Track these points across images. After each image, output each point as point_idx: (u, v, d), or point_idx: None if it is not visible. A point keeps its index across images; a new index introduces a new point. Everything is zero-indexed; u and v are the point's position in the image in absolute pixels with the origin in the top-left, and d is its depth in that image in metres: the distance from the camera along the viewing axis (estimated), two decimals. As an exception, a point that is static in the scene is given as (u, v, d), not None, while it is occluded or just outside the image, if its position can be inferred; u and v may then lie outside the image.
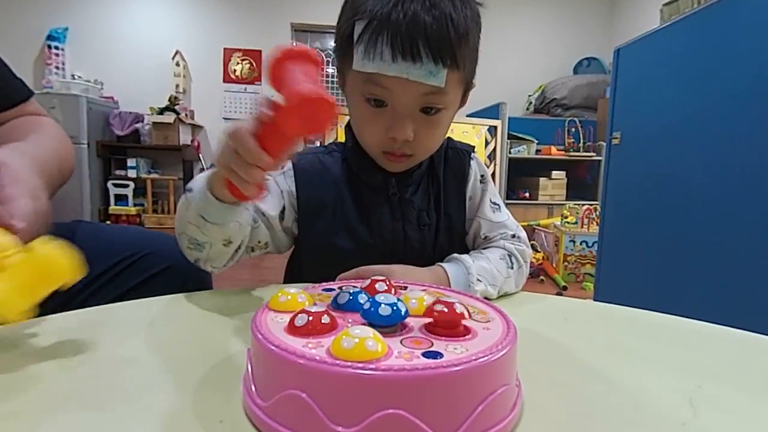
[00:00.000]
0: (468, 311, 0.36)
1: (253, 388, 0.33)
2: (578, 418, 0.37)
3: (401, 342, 0.33)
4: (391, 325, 0.35)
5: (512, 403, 0.34)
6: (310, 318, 0.34)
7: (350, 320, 0.37)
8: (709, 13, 1.83)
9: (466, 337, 0.34)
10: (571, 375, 0.45)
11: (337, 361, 0.29)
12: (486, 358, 0.31)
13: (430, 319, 0.36)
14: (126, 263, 0.78)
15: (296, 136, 0.49)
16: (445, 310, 0.35)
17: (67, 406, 0.35)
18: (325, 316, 0.35)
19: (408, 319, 0.37)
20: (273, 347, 0.31)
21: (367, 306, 0.35)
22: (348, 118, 0.79)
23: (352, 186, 0.79)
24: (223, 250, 0.64)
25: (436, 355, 0.31)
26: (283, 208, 0.75)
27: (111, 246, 0.79)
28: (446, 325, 0.35)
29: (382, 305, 0.35)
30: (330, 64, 5.45)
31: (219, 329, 0.54)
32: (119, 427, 0.33)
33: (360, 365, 0.28)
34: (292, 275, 0.84)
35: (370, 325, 0.33)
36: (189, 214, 0.61)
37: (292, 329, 0.34)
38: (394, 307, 0.35)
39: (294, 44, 0.46)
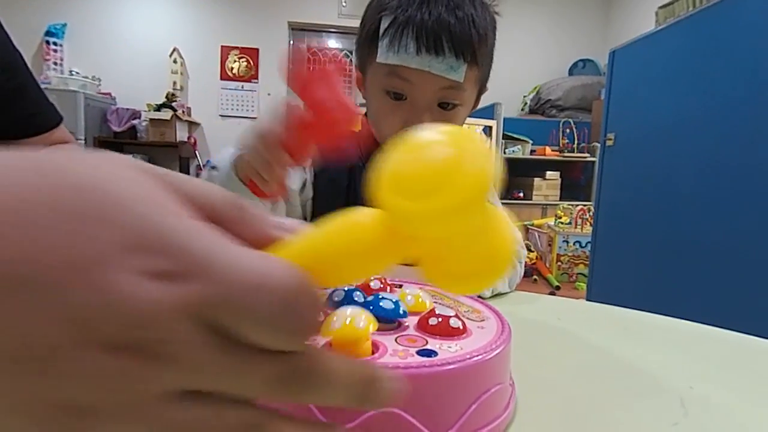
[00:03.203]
0: (463, 322, 0.36)
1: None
2: (570, 418, 0.37)
3: (396, 340, 0.33)
4: (391, 319, 0.35)
5: (506, 402, 0.34)
6: None
7: None
8: (704, 16, 1.84)
9: (461, 335, 0.34)
10: (563, 374, 0.45)
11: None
12: (480, 357, 0.31)
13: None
14: None
15: (317, 143, 0.50)
16: (440, 321, 0.35)
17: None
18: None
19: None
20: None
21: (370, 299, 0.36)
22: (364, 111, 0.82)
23: (363, 175, 0.80)
24: None
25: (430, 353, 0.31)
26: (305, 183, 0.78)
27: None
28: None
29: (385, 300, 0.35)
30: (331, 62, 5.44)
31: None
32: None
33: (355, 363, 0.28)
34: None
35: None
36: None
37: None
38: (396, 303, 0.36)
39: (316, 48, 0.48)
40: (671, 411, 0.38)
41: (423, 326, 0.35)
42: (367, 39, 0.73)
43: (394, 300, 0.36)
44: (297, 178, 0.78)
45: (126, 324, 0.15)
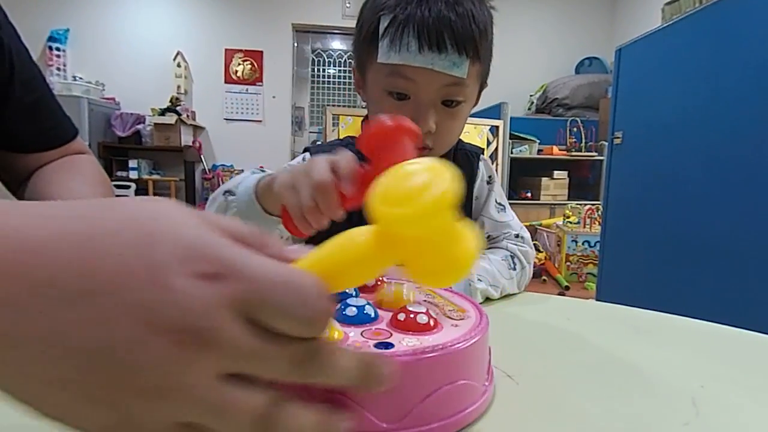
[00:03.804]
0: (434, 319, 0.37)
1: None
2: (580, 418, 0.36)
3: (362, 333, 0.34)
4: (360, 323, 0.36)
5: (472, 400, 0.34)
6: None
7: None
8: (711, 12, 1.83)
9: (429, 332, 0.35)
10: (572, 374, 0.45)
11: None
12: (434, 353, 0.31)
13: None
14: None
15: None
16: (408, 317, 0.36)
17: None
18: None
19: (381, 312, 0.38)
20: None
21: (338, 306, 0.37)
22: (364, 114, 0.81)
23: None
24: None
25: (387, 346, 0.32)
26: None
27: None
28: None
29: (349, 307, 0.37)
30: (333, 65, 5.45)
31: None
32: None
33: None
34: None
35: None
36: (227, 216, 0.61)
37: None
38: (360, 308, 0.37)
39: (397, 118, 0.42)
40: (682, 410, 0.37)
41: (393, 322, 0.36)
42: (365, 40, 0.71)
43: (359, 305, 0.37)
44: None
45: (184, 314, 0.20)
